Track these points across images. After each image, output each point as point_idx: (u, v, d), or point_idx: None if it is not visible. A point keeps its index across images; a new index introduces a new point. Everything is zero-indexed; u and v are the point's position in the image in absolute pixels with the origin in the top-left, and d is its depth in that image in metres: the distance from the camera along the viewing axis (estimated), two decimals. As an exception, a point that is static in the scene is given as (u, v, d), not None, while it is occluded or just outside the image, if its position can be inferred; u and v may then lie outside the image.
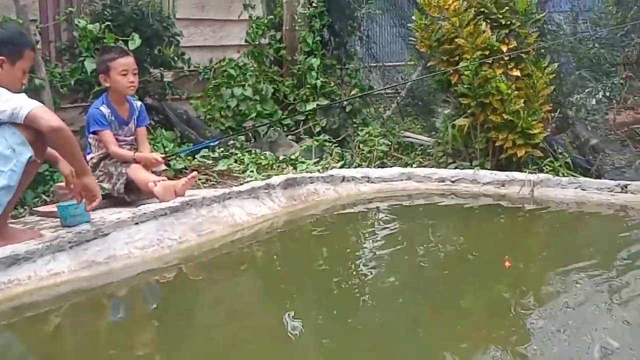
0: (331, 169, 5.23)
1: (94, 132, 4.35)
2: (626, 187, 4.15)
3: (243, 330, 2.65)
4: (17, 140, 3.09)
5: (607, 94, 5.60)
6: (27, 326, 2.74)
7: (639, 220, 3.92)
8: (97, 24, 5.38)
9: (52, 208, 3.97)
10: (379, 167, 5.35)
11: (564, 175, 4.67)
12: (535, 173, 4.60)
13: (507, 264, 3.10)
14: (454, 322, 2.63)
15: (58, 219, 3.69)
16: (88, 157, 4.36)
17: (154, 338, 2.69)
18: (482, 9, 5.02)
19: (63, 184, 3.56)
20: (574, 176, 4.64)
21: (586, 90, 5.58)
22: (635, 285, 2.82)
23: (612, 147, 5.16)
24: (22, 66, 3.32)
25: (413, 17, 5.32)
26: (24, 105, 3.07)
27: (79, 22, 5.38)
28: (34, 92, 4.49)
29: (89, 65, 5.22)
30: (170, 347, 2.51)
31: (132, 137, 4.51)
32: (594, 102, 5.58)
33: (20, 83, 3.35)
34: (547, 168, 4.83)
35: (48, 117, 3.07)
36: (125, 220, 3.39)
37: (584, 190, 4.28)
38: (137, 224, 3.43)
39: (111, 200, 4.20)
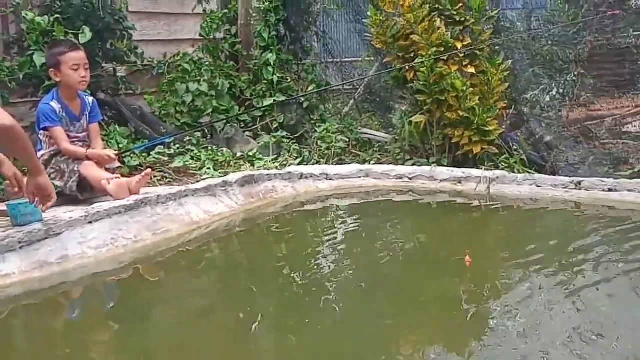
0: (289, 165, 5.21)
1: (45, 129, 4.23)
2: (580, 184, 4.22)
3: (200, 331, 2.60)
4: (-36, 138, 2.98)
5: (561, 91, 5.69)
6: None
7: (591, 216, 3.99)
8: (46, 16, 5.24)
9: (1, 207, 3.84)
10: (337, 164, 5.36)
11: (519, 172, 4.74)
12: (491, 170, 4.66)
13: (467, 259, 3.12)
14: (412, 320, 2.64)
15: (8, 218, 3.58)
16: (39, 153, 4.24)
17: (109, 339, 2.63)
18: (436, 6, 5.07)
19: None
20: (529, 173, 4.71)
21: (540, 87, 5.66)
22: (587, 280, 2.87)
23: (566, 144, 5.25)
24: None
25: (368, 13, 5.32)
26: None
27: (26, 14, 5.23)
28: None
29: (38, 59, 5.08)
30: (126, 347, 2.45)
31: (84, 134, 4.40)
32: (547, 99, 5.67)
33: None
34: (502, 165, 4.89)
35: None
36: (78, 219, 3.30)
37: (539, 186, 4.34)
38: (90, 222, 3.35)
39: (64, 198, 4.08)
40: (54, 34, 5.17)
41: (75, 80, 4.24)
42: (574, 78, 5.77)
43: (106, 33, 5.70)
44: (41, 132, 4.27)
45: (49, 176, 4.03)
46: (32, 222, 3.21)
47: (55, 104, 4.23)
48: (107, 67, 6.01)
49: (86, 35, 5.24)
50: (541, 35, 6.37)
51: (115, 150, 4.63)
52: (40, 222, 3.21)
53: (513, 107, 5.41)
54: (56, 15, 5.26)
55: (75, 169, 4.17)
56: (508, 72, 5.08)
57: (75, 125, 4.35)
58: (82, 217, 3.33)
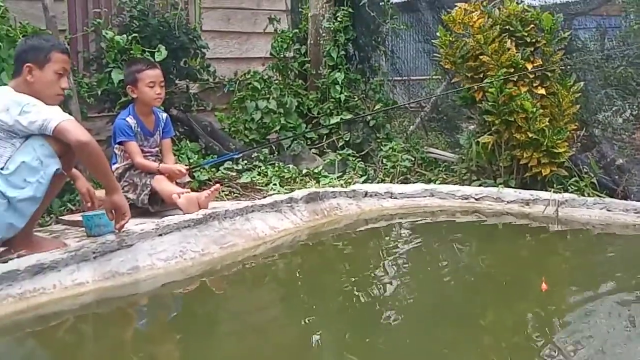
0: (354, 183, 5.23)
1: (120, 143, 4.39)
2: (652, 209, 4.10)
3: (264, 344, 2.66)
4: (46, 152, 3.13)
5: (635, 112, 5.53)
6: (52, 334, 2.77)
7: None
8: (125, 35, 5.44)
9: (77, 217, 4.01)
10: (402, 183, 5.35)
11: (589, 195, 4.62)
12: (560, 192, 4.56)
13: (543, 286, 3.06)
14: (476, 343, 2.61)
15: (83, 228, 3.73)
16: (114, 167, 4.40)
17: (175, 349, 2.70)
18: (507, 27, 5.01)
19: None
20: (600, 196, 4.59)
21: (613, 109, 5.52)
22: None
23: (639, 168, 5.08)
24: (52, 68, 3.30)
25: (438, 34, 5.32)
26: (54, 117, 3.09)
27: (106, 33, 5.44)
28: (61, 102, 4.54)
29: (116, 76, 5.28)
30: (192, 358, 2.51)
31: (157, 149, 4.55)
32: (620, 121, 5.52)
33: (56, 87, 3.33)
34: (572, 187, 4.77)
35: (75, 131, 3.08)
36: (149, 232, 3.42)
37: (609, 211, 4.24)
38: (160, 235, 3.46)
39: (135, 210, 4.20)
40: (131, 52, 5.36)
41: (150, 97, 4.39)
42: (648, 99, 5.62)
43: (180, 51, 5.88)
44: (116, 146, 4.43)
45: (122, 189, 4.20)
46: (105, 233, 3.34)
47: (131, 120, 4.39)
48: (181, 84, 6.19)
49: (162, 53, 5.41)
50: (615, 56, 6.22)
51: (185, 165, 4.76)
52: (113, 233, 3.32)
53: (584, 129, 5.28)
54: (134, 34, 5.46)
55: (148, 182, 4.30)
56: (580, 94, 4.97)
57: (149, 140, 4.50)
58: (153, 229, 3.44)
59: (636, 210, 4.17)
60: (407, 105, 7.33)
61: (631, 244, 4.00)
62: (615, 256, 3.86)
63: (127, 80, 4.50)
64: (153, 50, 5.43)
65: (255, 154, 5.94)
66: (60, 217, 4.28)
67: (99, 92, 5.46)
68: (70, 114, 3.43)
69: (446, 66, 5.38)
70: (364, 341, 2.65)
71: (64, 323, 2.89)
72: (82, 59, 5.94)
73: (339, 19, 6.79)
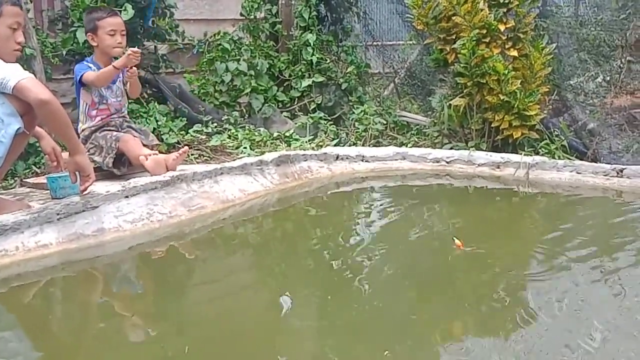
0: (325, 146, 5.19)
1: (82, 83, 4.24)
2: (621, 172, 4.12)
3: (232, 307, 2.62)
4: (7, 111, 3.04)
5: (607, 78, 5.53)
6: (15, 297, 2.71)
7: (633, 205, 3.90)
8: (90, -7, 5.28)
9: (42, 179, 3.93)
10: (374, 146, 5.33)
11: (559, 158, 4.65)
12: (531, 155, 4.58)
13: (457, 243, 3.05)
14: (444, 305, 2.60)
15: (48, 191, 3.66)
16: (79, 129, 4.30)
17: (143, 311, 2.65)
18: (479, -13, 4.96)
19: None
20: (570, 159, 4.62)
21: (585, 74, 5.52)
22: (629, 271, 2.79)
23: (609, 131, 5.12)
24: (5, 23, 3.17)
25: (410, -6, 5.25)
26: (13, 75, 2.99)
27: (71, -10, 5.29)
28: (24, 62, 4.41)
29: (81, 35, 5.13)
30: (159, 320, 2.48)
31: (120, 99, 4.42)
32: (593, 85, 5.53)
33: (12, 42, 3.21)
34: (543, 150, 4.80)
35: (36, 89, 2.98)
36: (115, 193, 3.34)
37: (579, 173, 4.25)
38: (127, 197, 3.39)
39: (102, 173, 4.14)
40: (97, 10, 5.21)
41: (110, 45, 4.25)
42: (621, 64, 5.62)
43: (148, 10, 5.73)
44: (81, 107, 4.31)
45: (88, 151, 4.12)
46: (70, 195, 3.27)
47: (90, 65, 4.27)
48: (148, 45, 6.05)
49: (128, 12, 5.25)
50: (588, 20, 6.20)
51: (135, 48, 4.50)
52: (78, 195, 3.25)
53: (556, 92, 5.28)
54: (99, -8, 5.31)
55: (113, 145, 4.21)
56: (552, 56, 4.96)
57: (112, 88, 4.36)
58: (119, 191, 3.36)
59: (605, 172, 4.18)
60: (382, 69, 7.26)
61: (599, 206, 4.02)
62: (583, 218, 3.87)
63: (87, 28, 4.34)
64: (119, 9, 5.28)
65: (226, 117, 5.86)
66: (25, 180, 4.19)
67: (64, 53, 5.32)
68: (34, 74, 3.33)
69: (419, 27, 5.32)
70: (335, 304, 2.63)
71: (28, 285, 2.82)
72: (47, 17, 5.77)
73: (310, -22, 6.67)
